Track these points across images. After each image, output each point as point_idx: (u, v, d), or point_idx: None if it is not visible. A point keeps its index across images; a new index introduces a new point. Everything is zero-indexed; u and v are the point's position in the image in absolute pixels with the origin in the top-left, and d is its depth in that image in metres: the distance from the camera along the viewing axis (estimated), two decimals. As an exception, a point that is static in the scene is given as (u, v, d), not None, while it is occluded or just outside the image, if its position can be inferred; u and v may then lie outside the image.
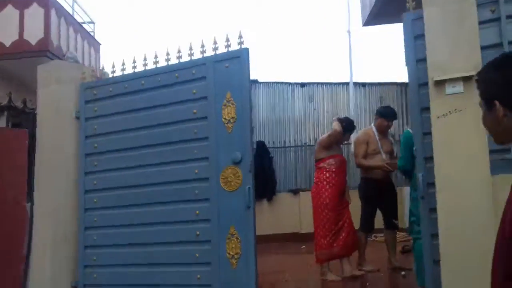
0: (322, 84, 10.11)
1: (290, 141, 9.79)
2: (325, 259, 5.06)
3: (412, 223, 4.18)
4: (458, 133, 2.82)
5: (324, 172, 5.02)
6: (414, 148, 4.11)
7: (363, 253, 5.41)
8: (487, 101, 1.40)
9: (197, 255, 3.87)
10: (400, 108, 9.31)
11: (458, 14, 2.88)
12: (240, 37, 4.03)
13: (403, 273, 5.11)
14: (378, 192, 5.35)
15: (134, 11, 25.30)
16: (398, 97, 9.67)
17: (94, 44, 10.35)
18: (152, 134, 4.26)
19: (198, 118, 4.08)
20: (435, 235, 3.04)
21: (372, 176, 5.35)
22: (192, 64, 4.18)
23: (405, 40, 3.31)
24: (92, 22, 10.86)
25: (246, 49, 3.97)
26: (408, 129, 4.29)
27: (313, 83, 10.11)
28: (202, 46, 4.17)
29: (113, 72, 4.59)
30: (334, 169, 5.07)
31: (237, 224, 3.79)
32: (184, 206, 3.97)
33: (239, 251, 3.76)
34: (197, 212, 3.94)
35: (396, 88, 9.73)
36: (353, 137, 5.86)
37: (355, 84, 9.67)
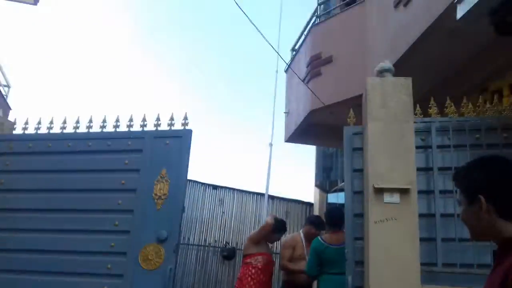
0: (234, 190, 10.26)
1: (194, 240, 9.55)
2: None
3: None
4: (392, 240, 2.94)
5: (250, 268, 4.83)
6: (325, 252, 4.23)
7: None
8: (470, 196, 1.49)
9: None
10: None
11: (399, 133, 3.18)
12: (185, 118, 4.05)
13: None
14: None
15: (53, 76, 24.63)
16: (303, 214, 9.96)
17: (4, 107, 9.69)
18: (69, 198, 3.92)
19: (125, 190, 3.86)
20: None
21: (294, 280, 5.22)
22: (129, 136, 4.06)
23: (345, 151, 3.53)
24: (8, 86, 10.31)
25: (190, 130, 3.98)
26: (318, 238, 4.38)
27: (226, 188, 10.23)
28: (144, 120, 4.11)
29: (37, 128, 4.30)
30: (260, 266, 4.90)
31: (152, 307, 3.44)
32: (92, 280, 3.55)
33: None
34: (104, 288, 3.54)
35: (301, 206, 10.06)
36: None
37: (261, 195, 9.91)
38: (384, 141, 3.17)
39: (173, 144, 3.94)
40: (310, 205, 9.70)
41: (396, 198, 3.02)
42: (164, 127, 4.05)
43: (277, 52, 6.67)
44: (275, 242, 5.70)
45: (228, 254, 9.63)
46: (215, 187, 10.19)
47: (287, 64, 7.29)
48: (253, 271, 4.70)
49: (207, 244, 9.60)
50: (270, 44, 5.62)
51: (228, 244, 9.83)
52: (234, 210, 10.13)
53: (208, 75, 24.77)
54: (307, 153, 9.43)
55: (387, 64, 3.45)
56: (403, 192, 3.01)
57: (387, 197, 3.03)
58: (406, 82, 3.31)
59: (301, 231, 5.46)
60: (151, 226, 3.68)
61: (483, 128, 3.30)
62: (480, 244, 3.01)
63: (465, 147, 3.30)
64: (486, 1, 2.80)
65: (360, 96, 5.58)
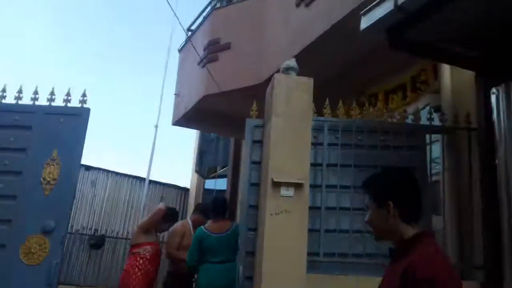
0: (108, 172, 9.85)
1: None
2: None
3: None
4: (285, 231, 3.15)
5: (138, 259, 4.61)
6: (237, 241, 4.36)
7: None
8: (379, 201, 1.69)
9: None
10: (180, 210, 9.57)
11: (298, 130, 3.38)
12: (84, 95, 3.84)
13: None
14: (179, 285, 5.12)
15: None
16: (178, 199, 9.97)
17: None
18: None
19: (8, 172, 3.55)
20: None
21: (179, 270, 5.10)
22: (17, 109, 3.72)
23: (245, 143, 3.66)
24: None
25: (88, 109, 3.78)
26: (202, 227, 4.40)
27: (100, 169, 9.79)
28: (35, 93, 3.79)
29: None
30: (148, 257, 4.72)
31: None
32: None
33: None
34: (-23, 284, 3.24)
35: (177, 191, 10.04)
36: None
37: (137, 178, 9.67)
38: (284, 136, 3.35)
39: (68, 122, 3.70)
40: (186, 190, 9.74)
41: (291, 192, 3.23)
42: (58, 103, 3.78)
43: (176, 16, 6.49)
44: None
45: (96, 242, 9.13)
46: (87, 167, 9.68)
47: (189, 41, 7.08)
48: (140, 261, 4.56)
49: (73, 231, 9.08)
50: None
51: (97, 231, 9.41)
52: (107, 193, 9.76)
53: (101, 46, 23.17)
54: (188, 138, 9.40)
55: (293, 62, 3.62)
56: (298, 186, 3.23)
57: (283, 191, 3.23)
58: (308, 82, 3.52)
59: (188, 218, 5.46)
60: (36, 214, 3.43)
61: (366, 131, 3.66)
62: (353, 236, 3.40)
63: (350, 146, 3.63)
64: (388, 18, 3.09)
65: (255, 86, 5.82)
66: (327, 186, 3.51)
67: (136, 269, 4.48)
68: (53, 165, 3.58)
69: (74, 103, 3.79)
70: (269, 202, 3.20)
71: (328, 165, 3.57)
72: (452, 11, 3.06)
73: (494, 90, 3.42)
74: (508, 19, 3.10)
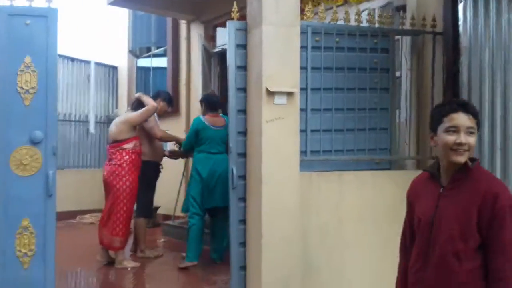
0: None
1: None
2: (123, 246, 4.78)
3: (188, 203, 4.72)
4: (280, 136, 3.41)
5: (130, 154, 4.68)
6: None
7: (145, 239, 5.30)
8: (478, 127, 1.81)
9: (-29, 252, 3.14)
10: (109, 89, 9.26)
11: (287, 37, 3.44)
12: (49, -7, 3.45)
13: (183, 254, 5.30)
14: (151, 177, 5.22)
15: None
16: (105, 77, 9.46)
17: None
18: None
19: (-24, 81, 3.26)
20: (241, 221, 3.58)
21: (154, 159, 5.20)
22: (-29, 9, 3.27)
23: (228, 47, 3.64)
24: None
25: (55, 10, 3.43)
26: (200, 117, 4.76)
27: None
28: (-11, -11, 3.33)
29: None
30: (138, 151, 4.84)
31: (32, 216, 3.26)
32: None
33: (33, 248, 3.25)
34: (-30, 199, 3.17)
35: (104, 69, 9.49)
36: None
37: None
38: (276, 45, 3.41)
39: (36, 25, 3.35)
40: (114, 68, 9.34)
41: (284, 100, 3.43)
42: (21, 2, 3.37)
43: None
44: None
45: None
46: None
47: None
48: (133, 156, 4.68)
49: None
50: None
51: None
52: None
53: None
54: (121, 17, 8.70)
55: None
56: (290, 94, 3.43)
57: (277, 99, 3.41)
58: (295, -14, 3.50)
59: None
60: (20, 125, 3.26)
61: (346, 33, 3.84)
62: (336, 136, 3.78)
63: (331, 49, 3.82)
64: None
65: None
66: (312, 89, 3.73)
67: (131, 164, 4.61)
68: (28, 72, 3.33)
69: (38, 3, 3.41)
70: (264, 110, 3.39)
71: (312, 68, 3.74)
72: None
73: (462, -1, 3.71)
74: None
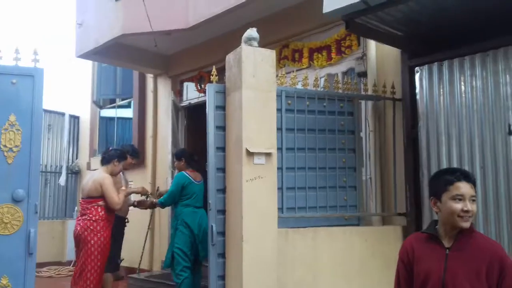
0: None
1: None
2: None
3: (175, 258, 4.75)
4: (259, 194, 3.60)
5: (106, 210, 4.66)
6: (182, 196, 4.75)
7: None
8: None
9: None
10: (71, 139, 9.18)
11: (264, 101, 3.69)
12: (36, 53, 3.59)
13: None
14: (117, 230, 5.17)
15: None
16: (67, 127, 9.39)
17: None
18: None
19: (-41, 139, 3.28)
20: (221, 277, 3.69)
21: (120, 214, 5.20)
22: (-43, 69, 3.34)
23: (208, 109, 3.85)
24: None
25: (42, 70, 3.57)
26: (183, 172, 4.95)
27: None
28: (-21, 49, 3.42)
29: None
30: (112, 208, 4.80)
31: (11, 274, 3.25)
32: None
33: (12, 306, 3.22)
34: (-51, 258, 3.12)
35: (63, 118, 9.40)
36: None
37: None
38: (254, 108, 3.66)
39: (22, 84, 3.48)
40: (76, 118, 9.33)
41: (262, 160, 3.65)
42: (7, 62, 3.47)
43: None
44: None
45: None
46: None
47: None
48: (108, 212, 4.67)
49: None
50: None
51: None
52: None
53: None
54: (83, 67, 8.77)
55: (254, 32, 3.82)
56: (268, 155, 3.66)
57: (256, 159, 3.62)
58: (271, 54, 3.81)
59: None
60: (2, 184, 3.32)
61: (316, 97, 4.17)
62: (310, 194, 4.03)
63: (303, 112, 4.12)
64: (351, 7, 3.50)
65: (181, 30, 5.79)
66: (287, 149, 3.99)
67: (106, 221, 4.58)
68: (12, 131, 3.40)
69: (25, 62, 3.53)
70: (244, 169, 3.58)
71: (286, 129, 4.02)
72: (395, 10, 3.60)
73: (417, 69, 4.16)
74: (435, 18, 3.74)
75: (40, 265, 7.50)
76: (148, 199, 5.39)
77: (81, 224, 4.59)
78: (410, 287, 2.12)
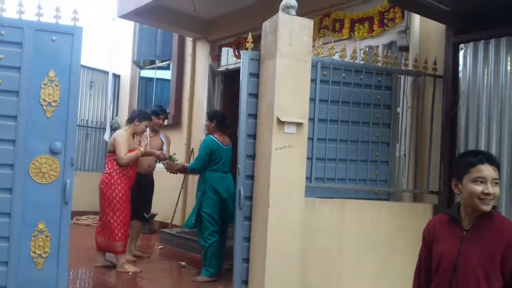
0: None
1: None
2: (124, 250, 5.03)
3: (203, 222, 4.79)
4: (288, 163, 3.61)
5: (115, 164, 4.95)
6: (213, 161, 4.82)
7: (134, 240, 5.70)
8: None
9: (-12, 253, 3.27)
10: (112, 96, 9.37)
11: (299, 71, 3.66)
12: (75, 12, 3.63)
13: (182, 263, 5.50)
14: (139, 185, 5.49)
15: None
16: (107, 85, 9.58)
17: None
18: None
19: (3, 91, 3.39)
20: (246, 238, 3.77)
21: (141, 172, 5.47)
22: (2, 22, 3.42)
23: (242, 75, 3.84)
24: None
25: (81, 28, 3.61)
26: (212, 137, 4.86)
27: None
28: (20, 4, 3.49)
29: None
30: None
31: (48, 220, 3.42)
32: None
33: (47, 250, 3.40)
34: (-9, 203, 3.30)
35: (107, 76, 9.61)
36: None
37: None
38: (288, 77, 3.63)
39: (62, 42, 3.52)
40: (117, 76, 9.51)
41: (293, 129, 3.64)
42: (48, 19, 3.54)
43: None
44: None
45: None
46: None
47: None
48: (123, 166, 4.91)
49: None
50: None
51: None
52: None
53: None
54: (125, 27, 8.87)
55: (293, 0, 3.75)
56: (299, 125, 3.64)
57: (286, 128, 3.62)
58: (309, 24, 3.73)
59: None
60: (41, 136, 3.43)
61: (353, 70, 4.09)
62: (340, 166, 4.00)
63: (338, 84, 4.06)
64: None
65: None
66: (319, 120, 3.96)
67: (120, 174, 4.82)
68: (51, 86, 3.49)
69: (65, 21, 3.59)
70: (274, 137, 3.59)
71: (320, 101, 3.97)
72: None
73: (463, 46, 3.98)
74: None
75: (80, 213, 8.01)
76: (176, 162, 5.37)
77: (102, 177, 4.97)
78: (429, 265, 2.13)
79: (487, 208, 1.95)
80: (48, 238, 3.42)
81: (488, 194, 1.93)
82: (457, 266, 1.97)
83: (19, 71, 3.42)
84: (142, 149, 5.08)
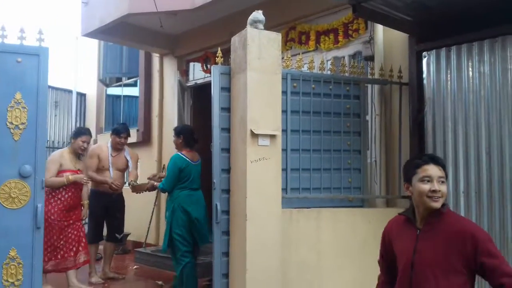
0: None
1: None
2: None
3: (175, 243, 4.64)
4: (264, 175, 3.62)
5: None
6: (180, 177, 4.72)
7: (93, 264, 5.43)
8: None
9: (-45, 285, 3.13)
10: (77, 114, 9.25)
11: (270, 83, 3.70)
12: (41, 33, 3.58)
13: (159, 282, 5.39)
14: (105, 206, 5.51)
15: None
16: (73, 104, 9.45)
17: None
18: None
19: (-32, 116, 3.31)
20: (224, 253, 3.74)
21: (100, 190, 5.47)
22: (-37, 45, 3.35)
23: (213, 90, 3.85)
24: None
25: (47, 49, 3.57)
26: (179, 154, 4.72)
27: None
28: (-17, 27, 3.42)
29: None
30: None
31: (19, 247, 3.32)
32: None
33: (20, 278, 3.30)
34: (-42, 232, 3.18)
35: (69, 96, 9.44)
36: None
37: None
38: (259, 90, 3.66)
39: (28, 63, 3.47)
40: (82, 95, 9.37)
41: (267, 141, 3.66)
42: (12, 40, 3.47)
43: None
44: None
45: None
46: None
47: None
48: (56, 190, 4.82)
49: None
50: None
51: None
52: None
53: None
54: (90, 45, 8.77)
55: (260, 15, 3.80)
56: (272, 136, 3.68)
57: (260, 141, 3.64)
58: (277, 37, 3.79)
59: (109, 141, 5.59)
60: (9, 160, 3.35)
61: (322, 81, 4.16)
62: (314, 175, 4.05)
63: (309, 94, 4.12)
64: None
65: (187, 10, 5.76)
66: (292, 131, 4.00)
67: (50, 195, 4.74)
68: (18, 108, 3.42)
69: (30, 41, 3.53)
70: (249, 150, 3.61)
71: (291, 112, 4.02)
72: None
73: (425, 54, 4.12)
74: (443, 3, 3.70)
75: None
76: (143, 183, 5.23)
77: None
78: (387, 262, 2.29)
79: (436, 205, 2.05)
80: (21, 265, 3.32)
81: (435, 191, 2.04)
82: (414, 264, 2.07)
83: (-17, 95, 3.34)
84: (70, 177, 4.79)
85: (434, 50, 4.05)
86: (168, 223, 4.71)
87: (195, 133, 4.98)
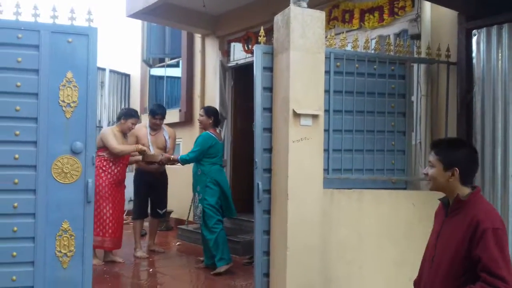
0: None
1: None
2: (113, 247, 5.23)
3: (208, 214, 4.99)
4: (305, 155, 3.63)
5: (102, 161, 5.11)
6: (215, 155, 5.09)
7: (138, 239, 5.69)
8: (448, 165, 2.13)
9: (15, 253, 3.33)
10: (122, 94, 9.48)
11: (313, 63, 3.67)
12: (90, 13, 3.67)
13: (200, 258, 5.54)
14: (149, 183, 5.71)
15: None
16: (119, 84, 9.63)
17: None
18: None
19: (23, 93, 3.45)
20: (266, 232, 3.80)
21: (145, 169, 5.66)
22: (18, 26, 3.47)
23: (255, 70, 3.85)
24: None
25: (96, 29, 3.65)
26: (209, 132, 5.11)
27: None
28: (35, 8, 3.54)
29: None
30: (112, 159, 5.15)
31: (71, 219, 3.48)
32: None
33: (72, 249, 3.46)
34: (15, 204, 3.36)
35: (117, 76, 9.60)
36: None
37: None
38: (302, 69, 3.64)
39: (78, 43, 3.56)
40: (126, 76, 9.57)
41: (309, 121, 3.66)
42: (63, 21, 3.59)
43: None
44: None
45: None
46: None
47: None
48: (104, 163, 5.01)
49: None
50: None
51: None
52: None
53: None
54: (134, 26, 8.93)
55: (304, -7, 3.76)
56: (315, 117, 3.66)
57: (303, 121, 3.64)
58: (321, 16, 3.74)
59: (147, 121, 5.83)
60: (62, 136, 3.48)
61: (366, 60, 4.09)
62: (356, 156, 4.02)
63: (352, 74, 4.06)
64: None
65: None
66: (334, 111, 3.97)
67: (100, 170, 5.06)
68: (69, 87, 3.54)
69: (79, 22, 3.63)
70: (291, 130, 3.61)
71: (334, 92, 3.99)
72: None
73: (475, 32, 3.97)
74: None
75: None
76: (156, 154, 5.42)
77: None
78: None
79: (429, 187, 2.26)
80: (73, 237, 3.48)
81: (426, 174, 2.23)
82: (436, 248, 2.17)
83: (37, 73, 3.47)
84: (144, 148, 5.23)
85: (484, 28, 3.90)
86: (201, 196, 5.06)
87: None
